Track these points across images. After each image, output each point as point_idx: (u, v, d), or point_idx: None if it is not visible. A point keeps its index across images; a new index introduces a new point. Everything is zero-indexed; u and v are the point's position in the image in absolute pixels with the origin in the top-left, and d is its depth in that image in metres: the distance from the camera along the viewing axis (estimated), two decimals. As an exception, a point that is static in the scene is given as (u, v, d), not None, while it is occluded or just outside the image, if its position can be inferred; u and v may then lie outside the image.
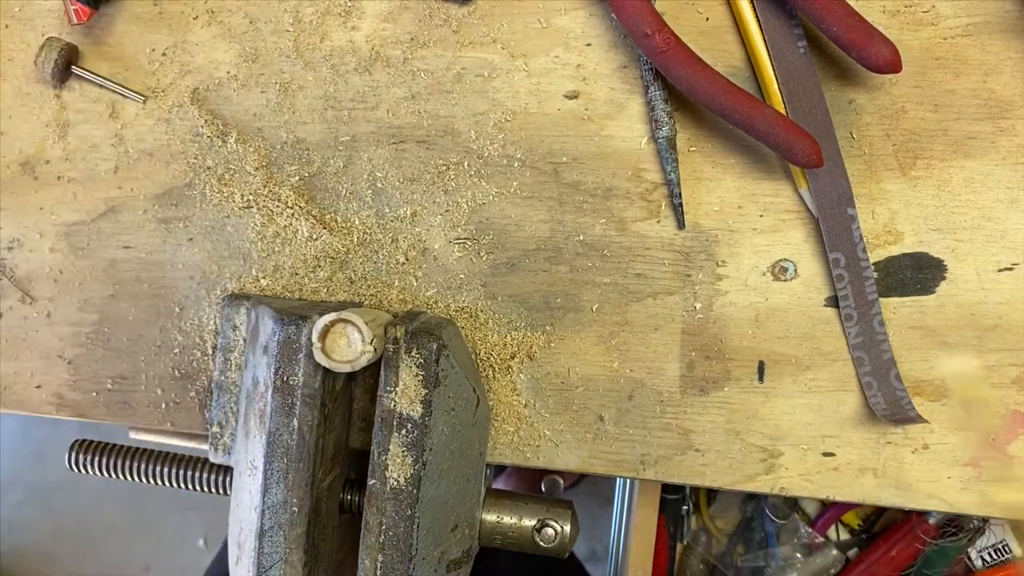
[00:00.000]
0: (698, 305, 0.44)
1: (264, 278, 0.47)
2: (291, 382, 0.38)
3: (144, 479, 0.45)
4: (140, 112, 0.48)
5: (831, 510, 0.73)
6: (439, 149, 0.45)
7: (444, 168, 0.45)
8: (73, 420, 0.49)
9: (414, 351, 0.38)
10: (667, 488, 0.73)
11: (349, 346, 0.37)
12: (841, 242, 0.42)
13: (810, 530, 0.73)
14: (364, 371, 0.40)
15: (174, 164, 0.47)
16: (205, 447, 0.44)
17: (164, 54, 0.47)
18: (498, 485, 1.25)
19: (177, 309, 0.48)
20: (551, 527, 0.43)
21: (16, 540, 1.69)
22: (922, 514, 0.69)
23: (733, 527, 0.76)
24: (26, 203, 0.49)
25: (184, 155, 0.47)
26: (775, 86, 0.42)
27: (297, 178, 0.46)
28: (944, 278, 0.43)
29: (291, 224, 0.46)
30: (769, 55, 0.42)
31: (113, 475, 0.45)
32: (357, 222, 0.46)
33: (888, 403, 0.42)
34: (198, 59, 0.47)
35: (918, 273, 0.43)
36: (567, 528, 0.43)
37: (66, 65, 0.47)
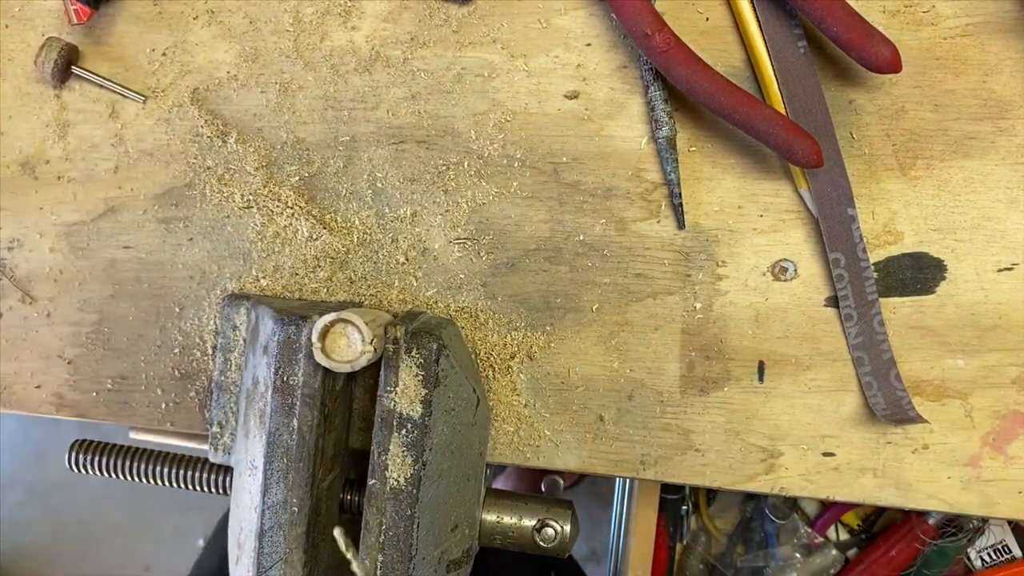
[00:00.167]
0: (698, 305, 0.44)
1: (264, 278, 0.47)
2: (291, 382, 0.38)
3: (144, 479, 0.45)
4: (140, 112, 0.48)
5: (831, 510, 0.73)
6: (439, 149, 0.45)
7: (444, 168, 0.45)
8: (73, 420, 0.49)
9: (414, 351, 0.38)
10: (667, 488, 0.73)
11: (349, 346, 0.37)
12: (841, 242, 0.42)
13: (810, 530, 0.73)
14: (364, 371, 0.40)
15: (174, 164, 0.47)
16: (205, 447, 0.44)
17: (164, 54, 0.47)
18: (498, 485, 1.25)
19: (177, 309, 0.48)
20: (551, 527, 0.43)
21: (16, 540, 1.69)
22: (922, 514, 0.69)
23: (733, 527, 0.76)
24: (26, 203, 0.49)
25: (184, 155, 0.47)
26: (775, 86, 0.42)
27: (297, 178, 0.46)
28: (944, 278, 0.43)
29: (291, 224, 0.46)
30: (769, 55, 0.42)
31: (113, 475, 0.45)
32: (357, 222, 0.46)
33: (888, 403, 0.42)
34: (198, 59, 0.47)
35: (918, 273, 0.43)
36: (567, 528, 0.43)
37: (66, 65, 0.47)
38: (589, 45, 0.44)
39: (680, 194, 0.43)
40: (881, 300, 0.43)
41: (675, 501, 0.74)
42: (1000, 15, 0.42)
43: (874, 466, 0.43)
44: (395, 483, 0.38)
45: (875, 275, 0.43)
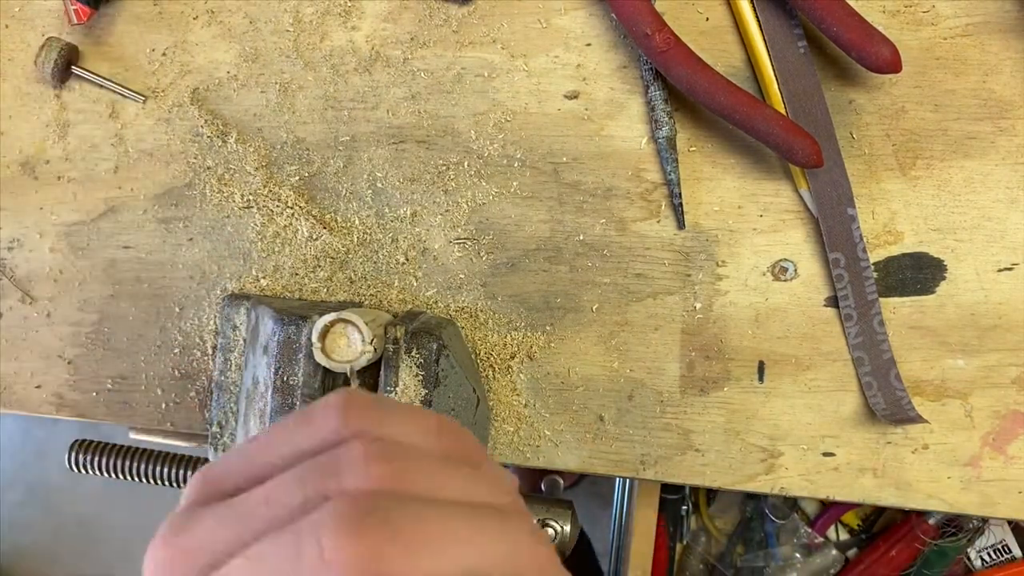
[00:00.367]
0: (698, 305, 0.44)
1: (264, 278, 0.47)
2: (291, 382, 0.38)
3: (144, 479, 0.45)
4: (140, 112, 0.48)
5: (830, 510, 0.73)
6: (439, 149, 0.45)
7: (444, 168, 0.45)
8: (73, 420, 0.49)
9: (414, 351, 0.38)
10: (667, 488, 0.73)
11: (349, 346, 0.37)
12: (841, 242, 0.42)
13: (810, 530, 0.73)
14: (364, 371, 0.40)
15: (174, 164, 0.47)
16: (205, 447, 0.44)
17: (164, 54, 0.47)
18: (498, 485, 1.24)
19: (177, 309, 0.48)
20: (551, 527, 0.43)
21: (16, 540, 1.69)
22: (922, 514, 0.69)
23: (733, 527, 0.76)
24: (26, 203, 0.49)
25: (184, 155, 0.47)
26: (775, 86, 0.42)
27: (297, 178, 0.46)
28: (944, 278, 0.43)
29: (291, 224, 0.46)
30: (769, 55, 0.42)
31: (113, 475, 0.45)
32: (357, 222, 0.46)
33: (888, 403, 0.42)
34: (198, 59, 0.47)
35: (918, 273, 0.43)
36: (567, 528, 0.43)
37: (66, 65, 0.47)
38: (589, 45, 0.44)
39: (680, 194, 0.43)
40: (881, 300, 0.43)
41: (675, 501, 0.74)
42: (1000, 15, 0.42)
43: (874, 466, 0.43)
44: (395, 483, 0.38)
45: (875, 275, 0.43)
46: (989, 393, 0.42)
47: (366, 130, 0.46)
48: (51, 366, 0.49)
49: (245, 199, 0.47)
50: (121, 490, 1.61)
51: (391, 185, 0.46)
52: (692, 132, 0.44)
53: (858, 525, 0.74)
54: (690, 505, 0.75)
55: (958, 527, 0.69)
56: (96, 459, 0.45)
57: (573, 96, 0.44)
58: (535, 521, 0.43)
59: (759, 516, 0.74)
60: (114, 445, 0.46)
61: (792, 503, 0.74)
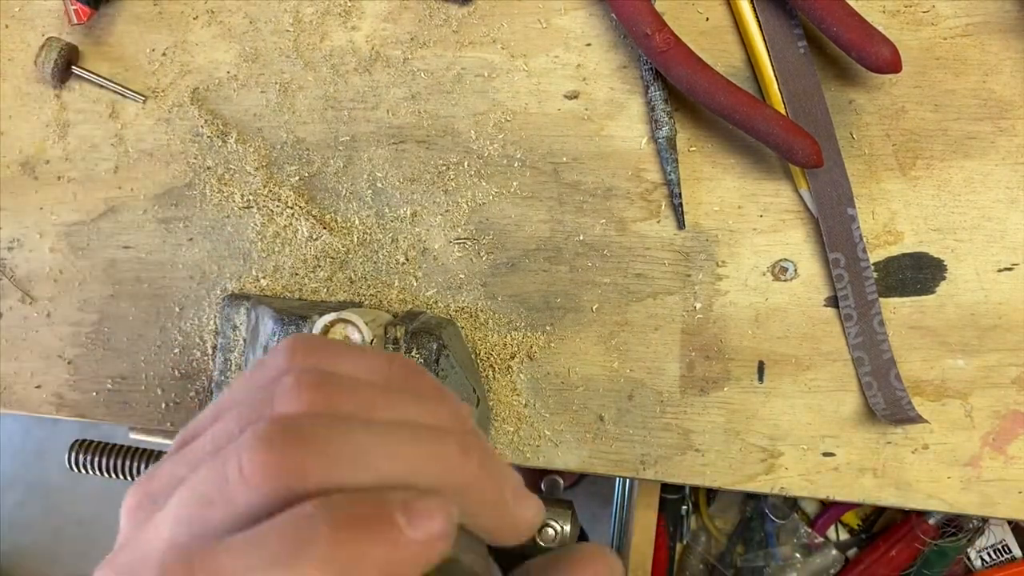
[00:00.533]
0: (698, 305, 0.44)
1: (264, 278, 0.47)
2: (291, 382, 0.38)
3: (144, 479, 0.45)
4: (140, 112, 0.48)
5: (830, 510, 0.73)
6: (439, 149, 0.45)
7: (444, 168, 0.45)
8: (73, 420, 0.49)
9: (414, 351, 0.38)
10: (667, 488, 0.73)
11: (349, 346, 0.37)
12: (841, 242, 0.42)
13: (810, 530, 0.73)
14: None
15: (174, 164, 0.47)
16: (205, 447, 0.44)
17: (164, 54, 0.47)
18: (498, 485, 1.24)
19: (177, 309, 0.48)
20: (551, 527, 0.43)
21: (16, 540, 1.69)
22: (922, 514, 0.69)
23: (733, 527, 0.76)
24: (26, 203, 0.49)
25: (184, 155, 0.47)
26: (775, 86, 0.42)
27: (297, 178, 0.46)
28: (944, 278, 0.43)
29: (291, 224, 0.46)
30: (769, 55, 0.42)
31: (113, 475, 0.45)
32: (357, 222, 0.46)
33: (888, 403, 0.42)
34: (198, 59, 0.47)
35: (918, 273, 0.43)
36: (567, 528, 0.43)
37: (66, 65, 0.47)
38: (589, 45, 0.44)
39: (680, 194, 0.43)
40: (881, 300, 0.43)
41: (675, 501, 0.74)
42: (1000, 15, 0.42)
43: (874, 466, 0.43)
44: (395, 483, 0.38)
45: (875, 275, 0.43)
46: (989, 393, 0.42)
47: (366, 130, 0.46)
48: (51, 366, 0.49)
49: (245, 199, 0.47)
50: (121, 490, 1.61)
51: (391, 185, 0.46)
52: (692, 132, 0.44)
53: (858, 525, 0.74)
54: (690, 505, 0.75)
55: (958, 527, 0.69)
56: (96, 459, 0.45)
57: (573, 96, 0.44)
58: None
59: (759, 516, 0.74)
60: (114, 445, 0.46)
61: (792, 503, 0.74)
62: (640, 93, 0.44)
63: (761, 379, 0.44)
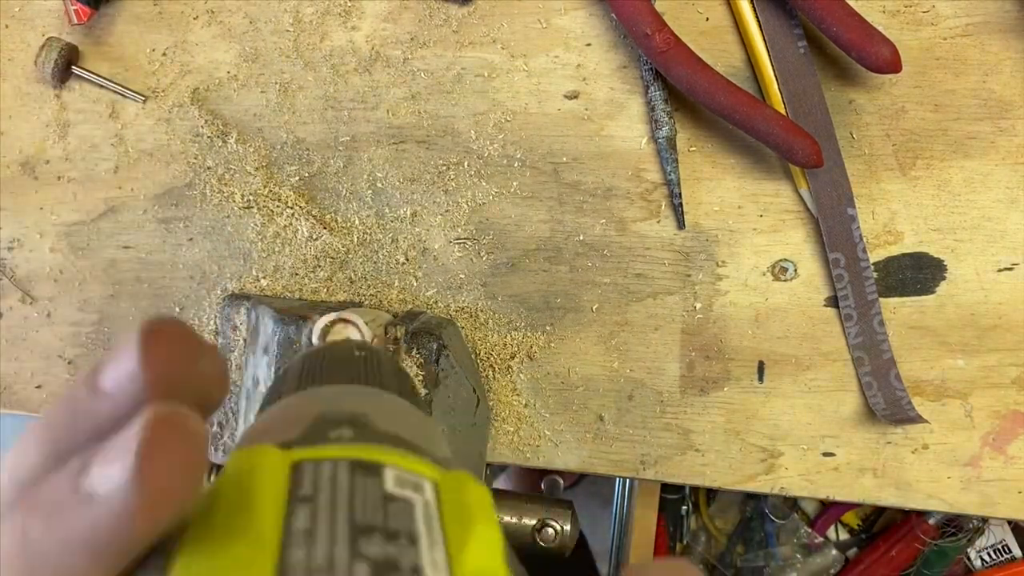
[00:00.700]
0: (698, 305, 0.44)
1: (264, 278, 0.47)
2: (291, 382, 0.38)
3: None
4: (140, 112, 0.48)
5: (831, 510, 0.73)
6: (439, 149, 0.45)
7: (444, 168, 0.45)
8: (73, 420, 0.49)
9: (414, 351, 0.38)
10: (667, 488, 0.73)
11: (349, 346, 0.37)
12: (841, 242, 0.42)
13: (810, 530, 0.73)
14: (364, 371, 0.40)
15: (174, 164, 0.47)
16: (205, 447, 0.44)
17: (164, 54, 0.47)
18: (498, 485, 1.25)
19: (177, 309, 0.48)
20: (551, 527, 0.43)
21: (16, 540, 1.68)
22: (922, 514, 0.69)
23: (733, 527, 0.76)
24: (26, 203, 0.49)
25: (184, 155, 0.47)
26: (775, 86, 0.42)
27: (297, 178, 0.46)
28: (944, 278, 0.43)
29: (291, 224, 0.46)
30: (769, 55, 0.42)
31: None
32: (357, 222, 0.46)
33: (888, 403, 0.42)
34: (198, 59, 0.47)
35: (918, 273, 0.43)
36: (567, 528, 0.43)
37: (66, 65, 0.47)
38: (589, 45, 0.44)
39: (680, 194, 0.43)
40: (881, 300, 0.43)
41: (675, 501, 0.74)
42: (1000, 15, 0.42)
43: (874, 466, 0.43)
44: (395, 483, 0.38)
45: (875, 275, 0.43)
46: (989, 393, 0.42)
47: (366, 130, 0.46)
48: (51, 366, 0.49)
49: (245, 199, 0.47)
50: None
51: (391, 185, 0.46)
52: (692, 132, 0.44)
53: (858, 525, 0.74)
54: (690, 505, 0.75)
55: (958, 527, 0.69)
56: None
57: (573, 96, 0.44)
58: (535, 521, 0.43)
59: (759, 516, 0.74)
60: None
61: (792, 503, 0.74)
62: (640, 93, 0.44)
63: (761, 379, 0.44)
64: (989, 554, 0.69)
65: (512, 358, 0.45)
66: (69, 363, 0.49)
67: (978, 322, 0.42)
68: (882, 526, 0.73)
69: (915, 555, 0.70)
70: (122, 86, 0.47)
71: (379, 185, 0.46)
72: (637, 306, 0.44)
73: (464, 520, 0.16)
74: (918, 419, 0.41)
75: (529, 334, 0.45)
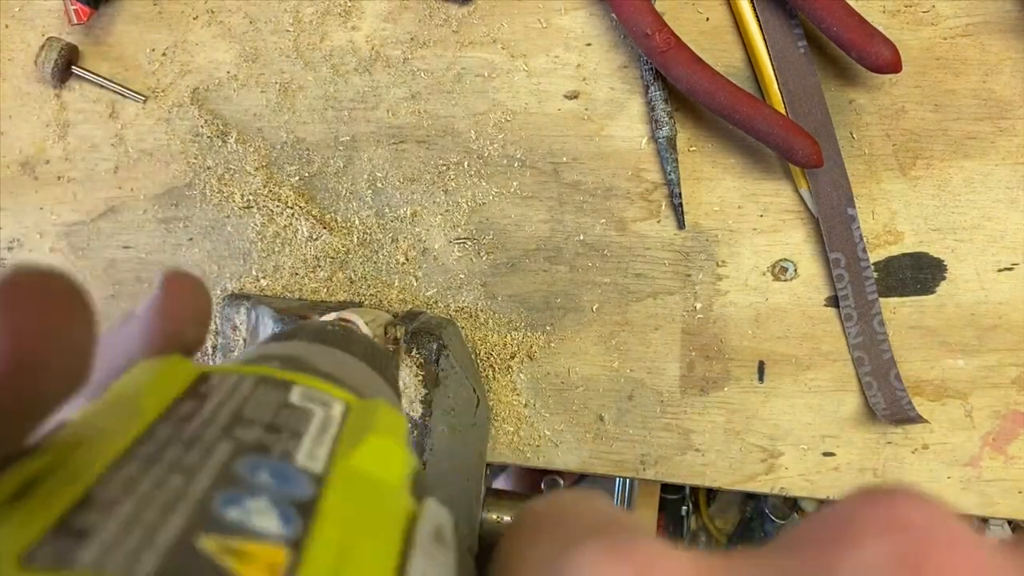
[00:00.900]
0: (698, 305, 0.44)
1: (264, 278, 0.47)
2: (291, 382, 0.38)
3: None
4: (140, 112, 0.48)
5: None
6: (439, 149, 0.45)
7: (444, 168, 0.45)
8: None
9: (414, 351, 0.38)
10: (667, 488, 0.73)
11: (349, 346, 0.37)
12: (841, 242, 0.42)
13: (810, 530, 0.73)
14: (364, 371, 0.40)
15: (174, 164, 0.47)
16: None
17: (164, 54, 0.47)
18: (498, 485, 1.25)
19: (177, 309, 0.48)
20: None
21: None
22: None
23: (733, 527, 0.76)
24: (26, 203, 0.49)
25: (184, 155, 0.47)
26: (775, 86, 0.42)
27: (297, 178, 0.46)
28: (944, 278, 0.43)
29: (291, 224, 0.46)
30: (769, 55, 0.42)
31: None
32: (357, 222, 0.46)
33: (888, 403, 0.42)
34: (198, 59, 0.47)
35: (918, 273, 0.43)
36: (567, 528, 0.43)
37: (66, 65, 0.47)
38: (589, 45, 0.44)
39: (680, 194, 0.43)
40: (881, 300, 0.43)
41: (675, 501, 0.74)
42: (1000, 15, 0.42)
43: (874, 466, 0.43)
44: (395, 483, 0.38)
45: (875, 275, 0.43)
46: (989, 393, 0.42)
47: (366, 130, 0.46)
48: (51, 366, 0.49)
49: (245, 199, 0.47)
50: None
51: (391, 185, 0.46)
52: (692, 132, 0.44)
53: (858, 525, 0.74)
54: (690, 505, 0.75)
55: (958, 527, 0.69)
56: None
57: (573, 96, 0.44)
58: None
59: (759, 516, 0.74)
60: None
61: (792, 503, 0.74)
62: (640, 93, 0.44)
63: (761, 379, 0.44)
64: (989, 554, 0.69)
65: (512, 358, 0.45)
66: (69, 363, 0.49)
67: (978, 322, 0.42)
68: (882, 526, 0.73)
69: (915, 555, 0.70)
70: (122, 86, 0.47)
71: (379, 185, 0.46)
72: (637, 306, 0.44)
73: (362, 431, 0.17)
74: (918, 419, 0.41)
75: (529, 334, 0.45)
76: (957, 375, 0.42)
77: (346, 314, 0.37)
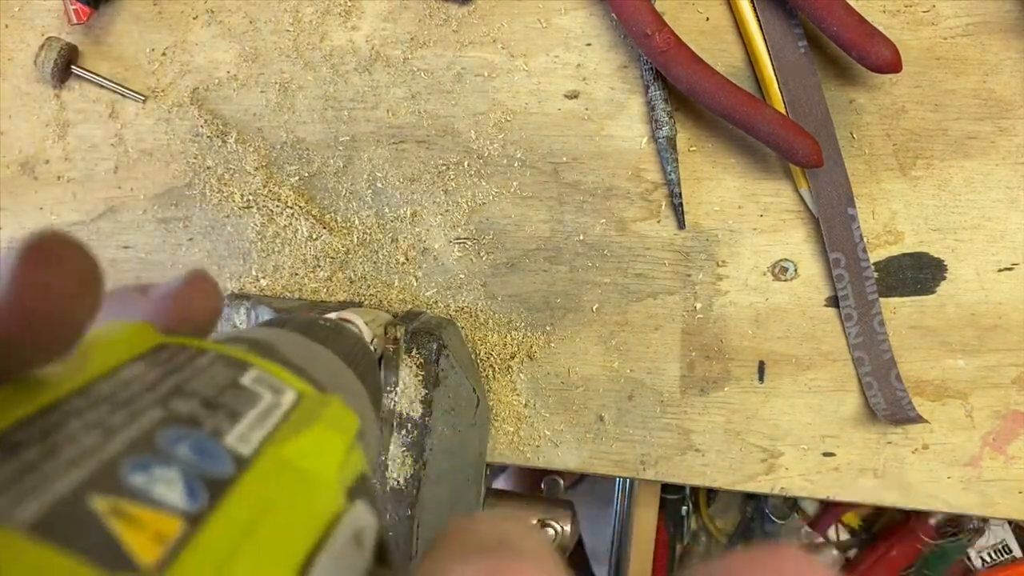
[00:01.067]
0: (698, 305, 0.44)
1: (264, 278, 0.47)
2: (291, 382, 0.38)
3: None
4: (140, 112, 0.48)
5: (831, 510, 0.73)
6: (439, 149, 0.45)
7: (444, 168, 0.45)
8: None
9: (414, 351, 0.38)
10: (667, 488, 0.72)
11: (349, 346, 0.37)
12: (841, 242, 0.42)
13: (810, 530, 0.73)
14: (364, 371, 0.40)
15: (174, 164, 0.47)
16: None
17: (164, 54, 0.47)
18: (498, 485, 1.25)
19: (177, 309, 0.48)
20: (551, 527, 0.43)
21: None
22: (922, 514, 0.69)
23: (733, 527, 0.76)
24: (26, 203, 0.49)
25: (184, 155, 0.47)
26: (775, 86, 0.42)
27: (297, 178, 0.46)
28: (944, 278, 0.43)
29: (291, 224, 0.46)
30: (769, 55, 0.42)
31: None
32: (357, 222, 0.46)
33: (888, 403, 0.42)
34: (198, 59, 0.47)
35: (918, 273, 0.43)
36: (567, 528, 0.43)
37: (66, 65, 0.47)
38: (589, 45, 0.44)
39: (680, 194, 0.43)
40: (881, 300, 0.43)
41: (675, 501, 0.74)
42: (1000, 15, 0.42)
43: (874, 466, 0.43)
44: (395, 483, 0.38)
45: (875, 275, 0.43)
46: (989, 393, 0.42)
47: (366, 130, 0.46)
48: (51, 366, 0.49)
49: (245, 199, 0.47)
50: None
51: (391, 185, 0.46)
52: (692, 132, 0.44)
53: (858, 525, 0.74)
54: (690, 505, 0.75)
55: (958, 527, 0.69)
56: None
57: (573, 96, 0.44)
58: (535, 521, 0.43)
59: (759, 516, 0.74)
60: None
61: (792, 503, 0.74)
62: (640, 93, 0.44)
63: (761, 379, 0.44)
64: (990, 554, 0.69)
65: (512, 358, 0.45)
66: (69, 363, 0.49)
67: (978, 322, 0.42)
68: (882, 526, 0.73)
69: (915, 555, 0.70)
70: (122, 86, 0.47)
71: (379, 185, 0.46)
72: (637, 306, 0.44)
73: (306, 422, 0.16)
74: (918, 419, 0.41)
75: (529, 334, 0.45)
76: (957, 375, 0.42)
77: (346, 314, 0.37)
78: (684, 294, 0.44)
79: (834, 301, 0.43)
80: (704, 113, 0.43)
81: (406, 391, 0.38)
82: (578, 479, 1.38)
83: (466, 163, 0.45)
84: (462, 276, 0.45)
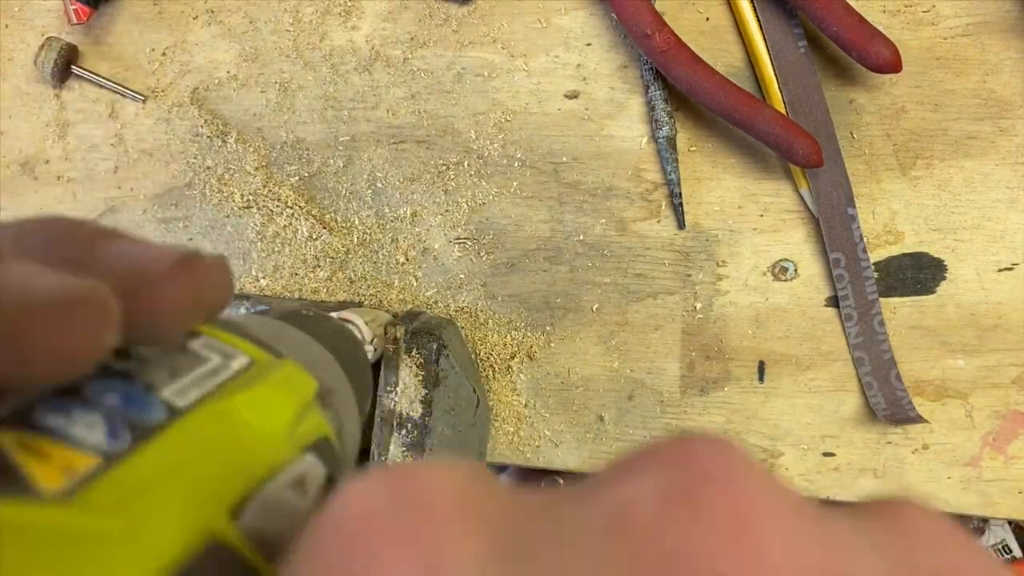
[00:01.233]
0: (698, 305, 0.44)
1: (264, 278, 0.47)
2: (291, 382, 0.38)
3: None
4: (140, 112, 0.48)
5: (831, 510, 0.73)
6: (439, 149, 0.45)
7: (444, 168, 0.45)
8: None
9: (414, 351, 0.38)
10: (667, 488, 0.72)
11: (349, 346, 0.37)
12: (841, 242, 0.42)
13: (810, 530, 0.73)
14: (364, 371, 0.40)
15: (174, 164, 0.47)
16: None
17: (164, 54, 0.47)
18: (498, 485, 1.25)
19: (177, 309, 0.48)
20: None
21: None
22: (922, 514, 0.69)
23: (733, 527, 0.76)
24: (26, 203, 0.49)
25: (184, 155, 0.47)
26: (775, 86, 0.42)
27: (297, 178, 0.46)
28: (944, 278, 0.43)
29: (291, 224, 0.46)
30: (769, 55, 0.42)
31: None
32: (357, 222, 0.46)
33: (888, 403, 0.42)
34: (198, 59, 0.47)
35: (918, 273, 0.43)
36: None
37: (66, 65, 0.47)
38: (589, 45, 0.44)
39: (680, 194, 0.43)
40: (881, 300, 0.43)
41: (675, 501, 0.74)
42: (1000, 15, 0.42)
43: (874, 466, 0.43)
44: (395, 483, 0.38)
45: (875, 275, 0.43)
46: (989, 393, 0.42)
47: (366, 130, 0.46)
48: (51, 366, 0.49)
49: (245, 199, 0.47)
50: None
51: (391, 185, 0.46)
52: (692, 132, 0.44)
53: (858, 525, 0.74)
54: (690, 505, 0.75)
55: (958, 527, 0.69)
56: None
57: (573, 96, 0.44)
58: None
59: (759, 516, 0.74)
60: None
61: (792, 503, 0.74)
62: (640, 93, 0.44)
63: (761, 379, 0.44)
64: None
65: (512, 358, 0.45)
66: (69, 363, 0.49)
67: (978, 322, 0.42)
68: (882, 526, 0.73)
69: (915, 555, 0.70)
70: (122, 86, 0.47)
71: (379, 185, 0.46)
72: (637, 306, 0.44)
73: (252, 381, 0.16)
74: (918, 419, 0.41)
75: (529, 334, 0.45)
76: (957, 375, 0.42)
77: (346, 314, 0.37)
78: (684, 294, 0.44)
79: (834, 301, 0.43)
80: (704, 113, 0.43)
81: (406, 391, 0.38)
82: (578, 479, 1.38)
83: (466, 163, 0.45)
84: (462, 276, 0.45)
